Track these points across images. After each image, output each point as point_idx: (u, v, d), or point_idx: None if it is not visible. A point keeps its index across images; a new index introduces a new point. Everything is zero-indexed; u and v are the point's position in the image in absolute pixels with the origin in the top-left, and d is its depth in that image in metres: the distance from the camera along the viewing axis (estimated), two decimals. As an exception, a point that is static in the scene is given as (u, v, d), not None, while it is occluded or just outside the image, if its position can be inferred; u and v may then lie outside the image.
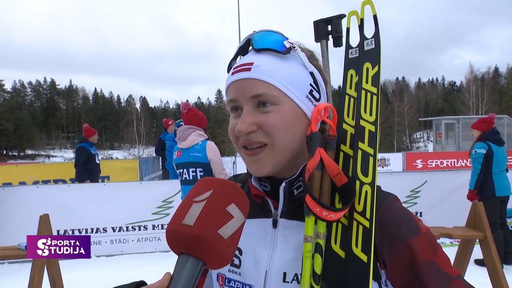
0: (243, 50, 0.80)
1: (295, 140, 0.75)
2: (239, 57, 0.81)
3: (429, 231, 0.73)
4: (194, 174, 3.79)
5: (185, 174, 3.86)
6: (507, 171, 4.90)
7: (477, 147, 4.82)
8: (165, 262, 5.00)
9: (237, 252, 0.81)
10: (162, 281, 0.54)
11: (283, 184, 0.76)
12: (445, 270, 0.71)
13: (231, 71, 0.78)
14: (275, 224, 0.79)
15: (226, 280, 0.82)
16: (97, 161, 7.34)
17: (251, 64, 0.74)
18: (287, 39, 0.76)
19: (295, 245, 0.75)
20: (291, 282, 0.74)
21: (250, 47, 0.78)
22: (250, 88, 0.73)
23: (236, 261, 0.81)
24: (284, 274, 0.75)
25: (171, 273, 0.55)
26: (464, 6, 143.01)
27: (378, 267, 0.71)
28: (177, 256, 0.56)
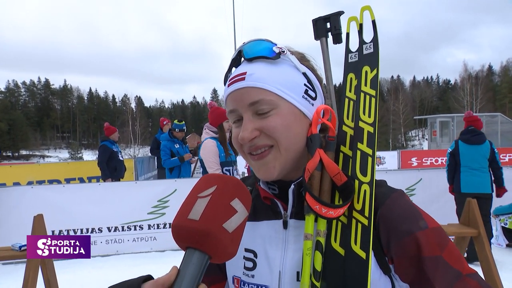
0: (235, 62, 0.82)
1: (298, 140, 0.77)
2: (233, 69, 0.83)
3: (438, 227, 0.74)
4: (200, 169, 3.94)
5: None
6: (495, 168, 4.97)
7: (450, 146, 5.23)
8: (161, 262, 4.99)
9: (251, 255, 0.83)
10: (169, 274, 0.56)
11: (292, 186, 0.78)
12: (455, 266, 0.70)
13: (227, 83, 0.80)
14: (285, 225, 0.81)
15: (242, 282, 0.83)
16: (121, 158, 7.34)
17: (245, 73, 0.76)
18: (276, 45, 0.79)
19: None
20: None
21: (242, 58, 0.81)
22: (246, 97, 0.75)
23: (251, 264, 0.83)
24: (297, 273, 0.77)
25: (178, 267, 0.57)
26: (456, 5, 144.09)
27: (386, 261, 0.73)
28: (175, 254, 0.57)
